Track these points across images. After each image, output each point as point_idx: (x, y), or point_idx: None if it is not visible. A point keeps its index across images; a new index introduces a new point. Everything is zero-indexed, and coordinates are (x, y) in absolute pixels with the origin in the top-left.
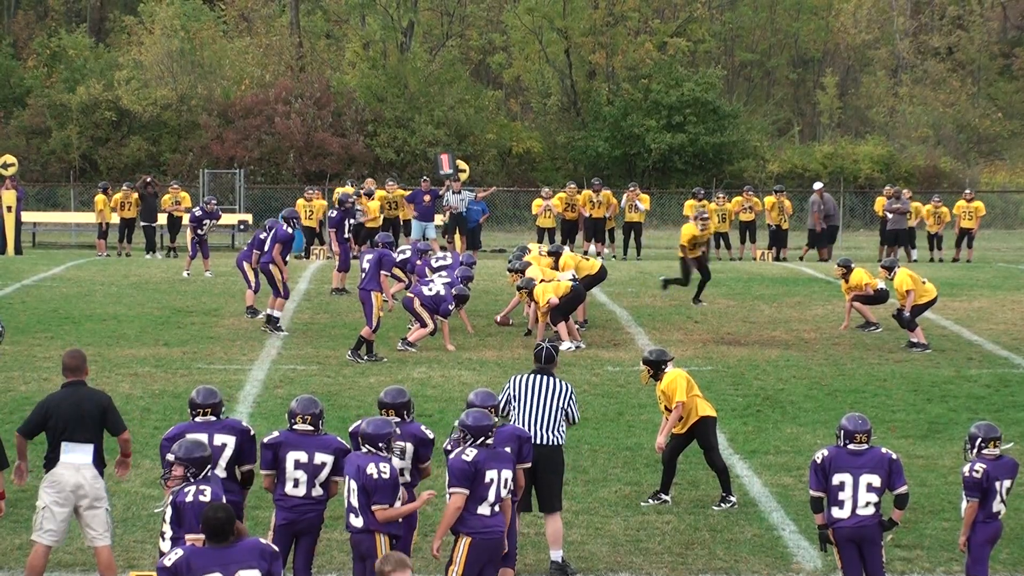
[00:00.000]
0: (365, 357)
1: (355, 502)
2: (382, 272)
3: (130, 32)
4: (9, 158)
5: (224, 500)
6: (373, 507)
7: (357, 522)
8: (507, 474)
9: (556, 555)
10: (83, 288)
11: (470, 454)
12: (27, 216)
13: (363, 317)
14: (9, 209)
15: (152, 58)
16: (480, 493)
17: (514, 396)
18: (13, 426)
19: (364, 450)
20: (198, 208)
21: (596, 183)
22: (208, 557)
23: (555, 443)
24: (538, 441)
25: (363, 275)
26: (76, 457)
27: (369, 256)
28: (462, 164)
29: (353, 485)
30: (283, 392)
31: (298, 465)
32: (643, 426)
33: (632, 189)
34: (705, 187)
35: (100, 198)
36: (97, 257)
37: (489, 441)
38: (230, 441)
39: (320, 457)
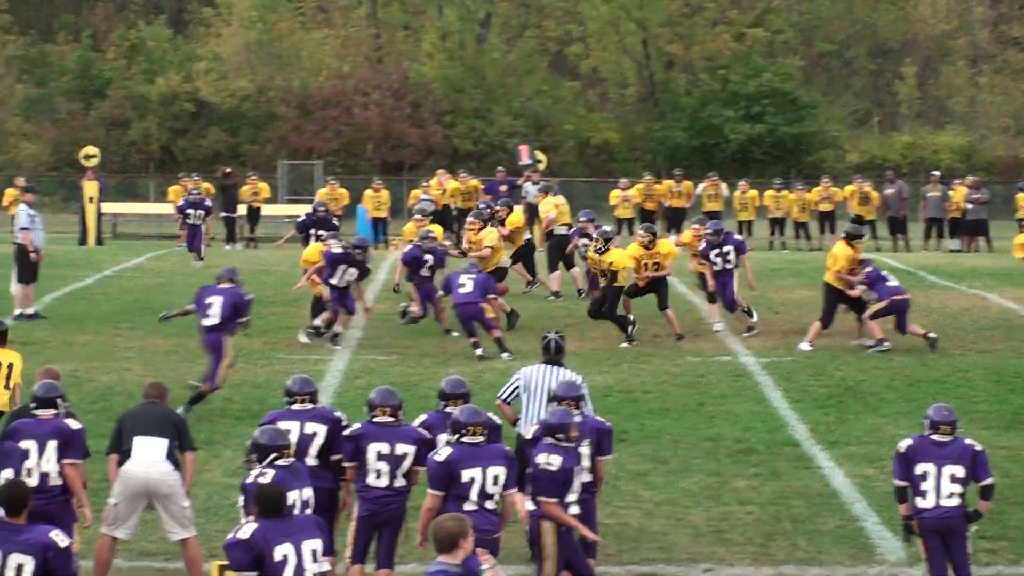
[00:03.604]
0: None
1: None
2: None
3: (208, 24)
4: (91, 149)
5: (281, 485)
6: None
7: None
8: (495, 471)
9: None
10: (163, 278)
11: (443, 454)
12: (107, 207)
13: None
14: (91, 200)
15: (230, 50)
16: (457, 492)
17: (524, 387)
18: (96, 415)
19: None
20: (182, 200)
21: (677, 173)
22: (276, 530)
23: None
24: None
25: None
26: (148, 452)
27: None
28: (539, 154)
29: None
30: (363, 382)
31: (380, 456)
32: (724, 416)
33: (712, 179)
34: (784, 177)
35: (173, 188)
36: (177, 248)
37: (467, 439)
38: (320, 430)
39: (402, 448)
